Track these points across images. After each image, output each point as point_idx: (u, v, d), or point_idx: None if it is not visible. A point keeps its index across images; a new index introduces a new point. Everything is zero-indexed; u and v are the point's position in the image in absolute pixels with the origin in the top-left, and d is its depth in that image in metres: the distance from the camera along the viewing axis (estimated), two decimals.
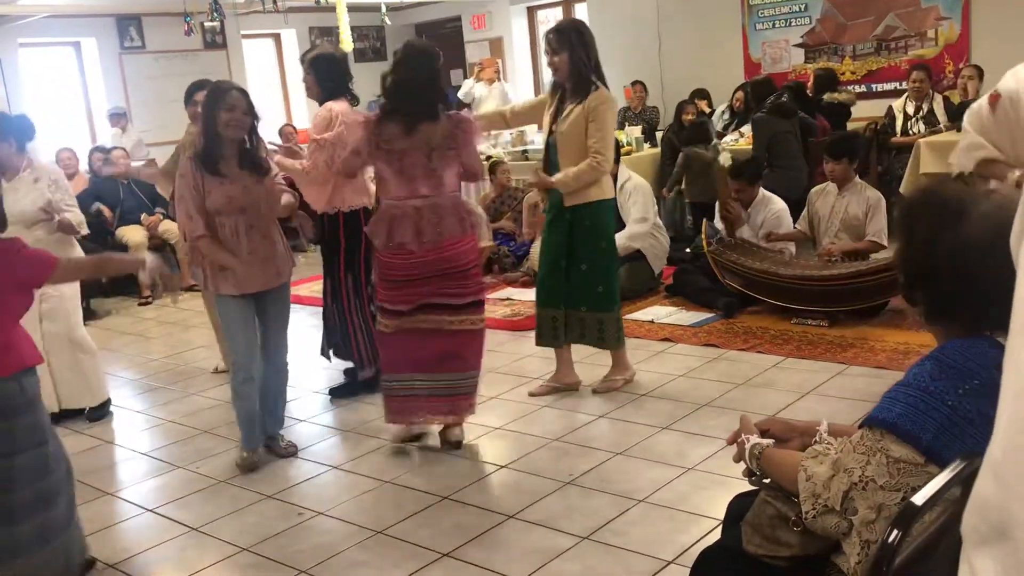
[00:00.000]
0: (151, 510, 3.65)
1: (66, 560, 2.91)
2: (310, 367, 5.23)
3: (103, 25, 10.43)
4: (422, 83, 3.70)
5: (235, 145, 3.77)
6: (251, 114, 3.78)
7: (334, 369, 5.16)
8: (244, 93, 3.80)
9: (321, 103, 4.60)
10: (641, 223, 6.03)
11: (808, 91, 7.73)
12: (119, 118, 9.79)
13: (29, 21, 9.57)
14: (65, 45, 10.55)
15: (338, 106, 4.54)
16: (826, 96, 7.69)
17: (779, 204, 5.85)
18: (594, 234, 4.31)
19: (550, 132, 4.30)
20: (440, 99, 3.78)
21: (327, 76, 4.58)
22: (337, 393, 4.86)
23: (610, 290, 4.39)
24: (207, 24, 10.35)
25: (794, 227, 5.87)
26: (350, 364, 4.96)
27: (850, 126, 7.78)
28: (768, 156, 6.82)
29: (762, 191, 5.90)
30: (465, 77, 11.80)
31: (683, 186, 7.73)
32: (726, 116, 8.76)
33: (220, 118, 3.69)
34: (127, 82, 10.44)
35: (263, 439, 4.06)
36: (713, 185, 7.51)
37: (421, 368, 3.89)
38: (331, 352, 4.91)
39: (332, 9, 9.31)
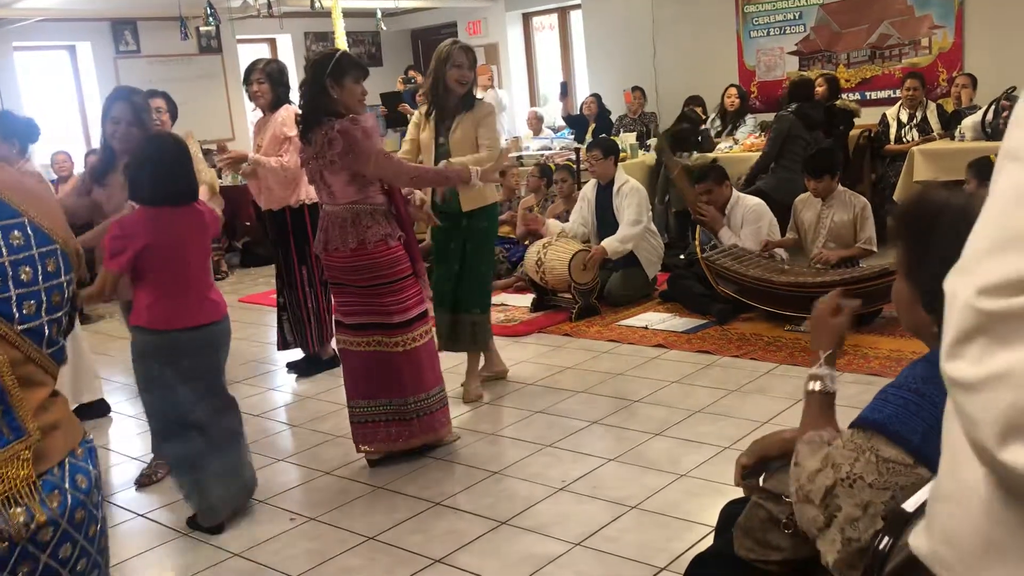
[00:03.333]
0: (142, 515, 3.64)
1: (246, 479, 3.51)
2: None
3: (98, 29, 10.42)
4: (304, 93, 3.75)
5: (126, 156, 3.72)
6: (138, 125, 3.78)
7: (329, 375, 5.18)
8: (131, 105, 3.80)
9: (271, 110, 5.01)
10: (634, 225, 6.03)
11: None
12: None
13: (24, 24, 9.56)
14: (60, 49, 10.54)
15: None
16: (839, 102, 7.69)
17: (753, 199, 5.88)
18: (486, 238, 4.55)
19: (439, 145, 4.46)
20: (319, 105, 3.67)
21: (279, 84, 5.00)
22: (295, 368, 5.32)
23: (489, 291, 4.70)
24: (202, 29, 10.33)
25: (783, 233, 5.89)
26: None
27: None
28: (776, 156, 6.84)
29: (735, 192, 5.91)
30: None
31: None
32: (717, 123, 8.73)
33: (106, 129, 3.76)
34: None
35: None
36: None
37: (364, 394, 3.86)
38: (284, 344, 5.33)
39: (328, 14, 9.32)
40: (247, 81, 5.05)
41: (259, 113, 5.17)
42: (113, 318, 7.23)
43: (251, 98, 5.09)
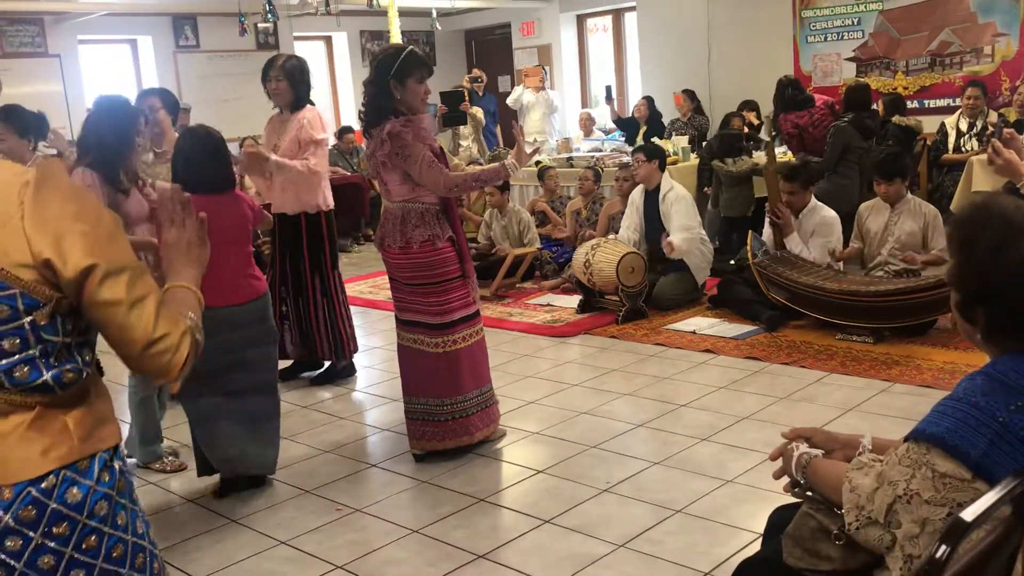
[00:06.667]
0: (191, 500, 3.70)
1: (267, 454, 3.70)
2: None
3: (159, 24, 10.63)
4: (369, 91, 3.78)
5: None
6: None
7: (376, 369, 5.21)
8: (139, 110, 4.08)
9: (291, 109, 4.81)
10: (686, 231, 5.99)
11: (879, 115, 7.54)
12: (185, 114, 9.95)
13: (89, 18, 9.79)
14: (122, 42, 10.76)
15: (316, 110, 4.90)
16: (895, 119, 7.55)
17: (829, 212, 5.72)
18: None
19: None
20: (380, 103, 3.71)
21: (300, 82, 4.80)
22: (317, 381, 5.15)
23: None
24: (260, 25, 10.51)
25: (846, 244, 5.79)
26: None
27: None
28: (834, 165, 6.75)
29: (813, 199, 5.81)
30: (513, 84, 11.84)
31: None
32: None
33: (135, 141, 3.78)
34: (181, 80, 10.61)
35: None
36: (744, 197, 7.42)
37: (409, 391, 3.93)
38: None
39: (384, 13, 9.41)
40: (265, 78, 4.81)
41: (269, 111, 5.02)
42: None
43: (270, 96, 4.85)
